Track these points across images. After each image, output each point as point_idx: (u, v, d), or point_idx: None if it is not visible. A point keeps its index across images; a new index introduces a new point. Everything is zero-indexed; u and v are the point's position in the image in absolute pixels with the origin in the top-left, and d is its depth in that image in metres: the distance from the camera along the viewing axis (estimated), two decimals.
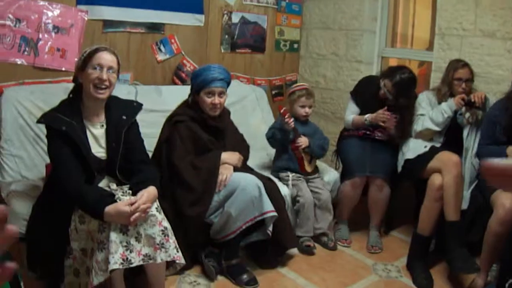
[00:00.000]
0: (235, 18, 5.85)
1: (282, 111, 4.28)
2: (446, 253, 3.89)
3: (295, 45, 6.48)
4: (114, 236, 2.87)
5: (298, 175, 4.43)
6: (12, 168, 4.10)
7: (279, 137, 4.37)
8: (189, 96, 4.00)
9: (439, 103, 4.36)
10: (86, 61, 3.14)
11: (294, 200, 4.33)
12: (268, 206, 3.67)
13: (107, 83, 3.16)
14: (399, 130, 4.55)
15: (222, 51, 5.83)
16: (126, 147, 3.31)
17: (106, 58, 3.19)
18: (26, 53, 4.51)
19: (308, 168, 4.44)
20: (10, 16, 4.42)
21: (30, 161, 4.17)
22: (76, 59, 3.23)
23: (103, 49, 3.21)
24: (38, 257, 3.20)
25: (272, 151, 4.67)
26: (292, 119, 4.29)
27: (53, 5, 4.61)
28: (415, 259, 4.04)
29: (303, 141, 4.41)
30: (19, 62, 4.49)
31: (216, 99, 3.87)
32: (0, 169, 4.11)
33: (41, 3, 4.56)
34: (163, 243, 2.99)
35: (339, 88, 5.94)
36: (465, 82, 4.28)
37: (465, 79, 4.28)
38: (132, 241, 2.92)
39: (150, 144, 3.88)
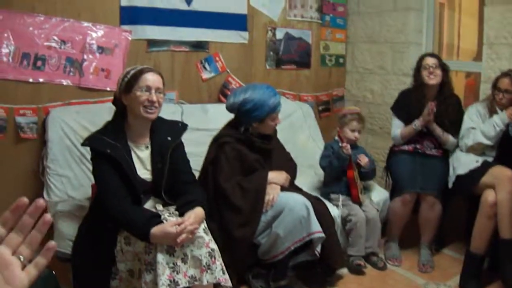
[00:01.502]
0: (280, 34, 5.83)
1: (341, 135, 4.24)
2: (500, 272, 3.77)
3: (341, 60, 6.43)
4: (160, 257, 2.85)
5: (349, 197, 4.35)
6: (58, 187, 4.14)
7: (336, 165, 4.30)
8: (236, 121, 3.93)
9: (490, 115, 4.24)
10: (131, 83, 3.12)
11: (345, 220, 4.25)
12: (316, 226, 3.60)
13: (156, 104, 3.16)
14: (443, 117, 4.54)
15: (267, 67, 5.81)
16: (172, 168, 3.28)
17: (153, 79, 3.18)
18: (71, 74, 4.57)
19: (361, 198, 4.33)
20: (55, 38, 4.48)
21: (76, 181, 4.20)
22: (119, 79, 3.19)
23: (148, 70, 3.20)
24: (84, 278, 3.18)
25: (320, 169, 4.58)
26: (348, 146, 4.22)
27: (97, 26, 4.67)
28: (468, 279, 3.92)
29: (364, 160, 4.37)
30: (64, 83, 4.56)
31: (279, 118, 3.92)
32: (47, 189, 4.15)
33: (85, 24, 4.62)
34: (209, 265, 2.96)
35: (387, 102, 5.84)
36: (503, 92, 4.13)
37: (504, 89, 4.14)
38: (179, 262, 2.89)
39: (196, 163, 3.87)
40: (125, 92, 3.15)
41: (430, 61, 4.55)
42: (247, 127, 3.86)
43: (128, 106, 3.19)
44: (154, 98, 3.14)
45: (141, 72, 3.15)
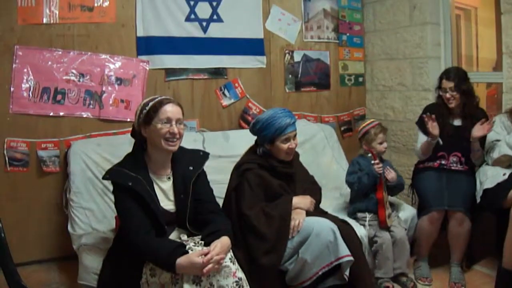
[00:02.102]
0: (297, 57, 5.85)
1: (374, 153, 4.17)
2: None
3: (360, 79, 6.42)
4: (187, 287, 2.81)
5: (376, 216, 4.27)
6: (82, 220, 4.18)
7: (365, 183, 4.24)
8: (257, 145, 3.91)
9: None
10: (151, 115, 3.11)
11: (372, 240, 4.19)
12: (344, 250, 3.53)
13: (178, 136, 3.15)
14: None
15: (287, 91, 5.83)
16: (195, 199, 3.28)
17: (173, 111, 3.17)
18: (91, 106, 4.63)
19: (389, 222, 4.25)
20: (74, 71, 4.56)
21: (100, 213, 4.24)
22: (137, 111, 3.19)
23: (167, 101, 3.18)
24: None
25: (347, 191, 4.54)
26: (381, 164, 4.18)
27: (115, 57, 4.73)
28: None
29: (391, 174, 4.32)
30: (84, 116, 4.63)
31: (293, 143, 3.82)
32: (71, 222, 4.19)
33: (103, 56, 4.67)
34: None
35: (409, 119, 5.81)
36: None
37: None
38: None
39: (219, 191, 3.84)
40: (145, 124, 3.13)
41: (446, 84, 4.51)
42: (263, 150, 3.83)
43: (148, 138, 3.17)
44: (176, 130, 3.13)
45: (160, 104, 3.13)
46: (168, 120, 3.12)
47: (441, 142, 4.50)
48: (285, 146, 3.78)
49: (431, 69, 5.58)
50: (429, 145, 4.54)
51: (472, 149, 4.48)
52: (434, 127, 4.39)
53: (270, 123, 3.72)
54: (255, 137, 3.93)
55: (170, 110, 3.14)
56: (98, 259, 3.41)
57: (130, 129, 3.35)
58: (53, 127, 4.54)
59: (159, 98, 3.19)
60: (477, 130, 4.33)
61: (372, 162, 4.13)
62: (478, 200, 4.28)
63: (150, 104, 3.13)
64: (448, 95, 4.49)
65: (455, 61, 5.70)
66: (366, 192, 4.30)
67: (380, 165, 4.14)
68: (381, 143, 4.35)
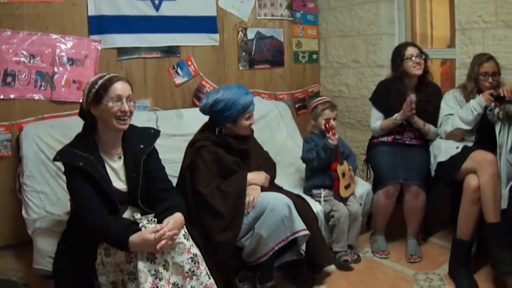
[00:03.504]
0: (251, 34, 5.83)
1: (328, 126, 4.18)
2: (489, 257, 3.74)
3: (314, 56, 6.42)
4: (141, 265, 2.80)
5: (331, 191, 4.31)
6: (36, 204, 4.10)
7: (323, 157, 4.25)
8: (211, 123, 3.88)
9: (467, 100, 4.21)
10: (100, 93, 3.04)
11: (328, 215, 4.21)
12: (299, 225, 3.55)
13: (128, 113, 3.11)
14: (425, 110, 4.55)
15: (241, 68, 5.80)
16: (147, 177, 3.24)
17: (123, 88, 3.11)
18: (42, 88, 4.54)
19: (343, 194, 4.29)
20: (24, 52, 4.46)
21: (54, 196, 4.17)
22: (85, 90, 3.12)
23: (117, 79, 3.12)
24: None
25: (302, 166, 4.55)
26: (337, 136, 4.20)
27: (66, 37, 4.65)
28: (457, 266, 3.89)
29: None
30: (36, 98, 4.54)
31: (253, 118, 3.86)
32: (25, 206, 4.11)
33: (54, 36, 4.59)
34: (193, 271, 2.92)
35: (363, 95, 5.84)
36: (491, 76, 4.12)
37: (491, 73, 4.12)
38: (160, 269, 2.85)
39: (173, 169, 3.84)
40: (95, 103, 3.06)
41: (414, 51, 4.53)
42: (221, 129, 3.80)
43: (98, 117, 3.11)
44: (126, 108, 3.09)
45: (110, 82, 3.07)
46: (119, 98, 3.07)
47: (405, 123, 4.54)
48: (247, 122, 3.80)
49: (385, 46, 5.61)
50: (392, 125, 4.58)
51: (419, 129, 4.54)
52: (412, 109, 4.41)
53: (234, 103, 3.69)
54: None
55: (120, 87, 3.09)
56: (53, 243, 3.37)
57: None
58: (3, 110, 4.44)
59: (108, 76, 3.13)
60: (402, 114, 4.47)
61: (327, 134, 4.15)
62: (433, 173, 4.32)
63: (99, 82, 3.06)
64: (417, 60, 4.49)
65: (409, 38, 5.73)
66: (324, 168, 4.31)
67: (336, 137, 4.16)
68: (327, 120, 4.35)
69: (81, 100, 3.18)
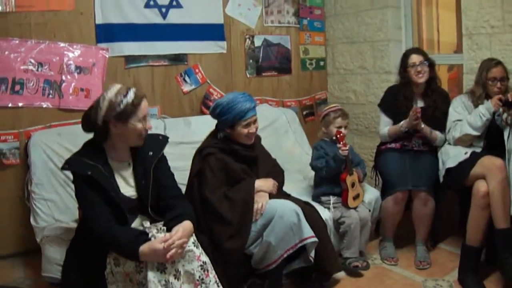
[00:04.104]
0: (258, 42, 5.83)
1: (339, 136, 4.14)
2: (498, 263, 3.73)
3: (321, 63, 6.43)
4: (151, 275, 2.79)
5: (340, 198, 4.30)
6: (45, 212, 4.10)
7: (333, 166, 4.23)
8: (218, 130, 3.88)
9: (475, 106, 4.20)
10: (127, 113, 3.01)
11: (338, 222, 4.21)
12: (308, 232, 3.54)
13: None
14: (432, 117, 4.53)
15: (248, 76, 5.81)
16: (157, 184, 3.23)
17: (146, 106, 3.13)
18: (50, 96, 4.56)
19: (351, 204, 4.25)
20: (32, 61, 4.48)
21: (62, 204, 4.17)
22: (103, 107, 3.01)
23: (141, 97, 3.10)
24: None
25: (310, 174, 4.53)
26: (348, 146, 4.17)
27: (74, 46, 4.67)
28: (466, 272, 3.87)
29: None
30: (44, 106, 4.55)
31: (253, 128, 3.81)
32: (34, 214, 4.11)
33: (62, 45, 4.61)
34: (203, 279, 2.91)
35: (370, 101, 5.83)
36: (500, 81, 4.11)
37: (500, 78, 4.12)
38: (171, 279, 2.83)
39: (182, 177, 3.81)
40: (118, 121, 3.03)
41: (417, 59, 4.53)
42: (223, 134, 3.82)
43: (117, 133, 3.09)
44: (151, 126, 3.15)
45: (139, 102, 3.05)
46: (144, 118, 3.09)
47: (411, 131, 4.53)
48: (245, 130, 3.77)
49: (392, 52, 5.61)
50: (400, 132, 4.57)
51: (426, 136, 4.52)
52: (418, 119, 4.39)
53: (230, 108, 3.70)
54: (215, 122, 3.91)
55: (145, 107, 3.10)
56: (61, 250, 3.36)
57: None
58: (12, 118, 4.45)
59: (131, 93, 3.06)
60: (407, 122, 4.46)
61: (338, 145, 4.12)
62: (441, 179, 4.31)
63: (125, 101, 3.01)
64: (419, 68, 4.50)
65: (416, 44, 5.73)
66: (334, 176, 4.30)
67: (346, 147, 4.13)
68: (338, 128, 4.35)
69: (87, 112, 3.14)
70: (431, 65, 4.55)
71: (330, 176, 4.31)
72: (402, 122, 4.51)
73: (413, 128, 4.47)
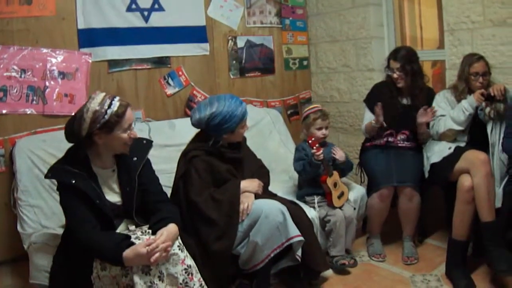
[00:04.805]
0: (241, 43, 5.84)
1: (310, 142, 4.12)
2: (485, 256, 3.75)
3: (305, 62, 6.44)
4: (137, 278, 2.81)
5: (324, 197, 4.32)
6: (31, 218, 4.08)
7: (309, 171, 4.24)
8: (211, 138, 3.80)
9: (458, 101, 4.23)
10: (111, 124, 3.00)
11: (323, 221, 4.22)
12: (294, 231, 3.55)
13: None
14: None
15: (232, 77, 5.81)
16: (141, 189, 3.24)
17: (131, 115, 3.13)
18: (34, 102, 4.54)
19: (337, 204, 4.27)
20: (15, 67, 4.46)
21: (48, 209, 4.14)
22: (87, 118, 2.95)
23: (125, 107, 3.07)
24: None
25: (295, 174, 4.53)
26: (321, 151, 4.14)
27: (56, 51, 4.65)
28: (454, 266, 3.89)
29: (340, 153, 4.40)
30: (28, 112, 4.54)
31: (247, 125, 3.90)
32: (20, 221, 4.09)
33: (44, 50, 4.59)
34: (186, 282, 2.93)
35: (354, 99, 5.85)
36: (482, 76, 4.13)
37: (482, 72, 4.14)
38: (156, 280, 2.85)
39: (167, 180, 3.84)
40: (104, 133, 3.02)
41: (394, 65, 4.56)
42: (217, 140, 3.80)
43: (102, 143, 3.07)
44: (136, 134, 3.15)
45: (123, 111, 3.03)
46: (129, 127, 3.09)
47: (385, 125, 4.53)
48: (242, 130, 3.85)
49: (375, 49, 5.63)
50: (372, 128, 4.60)
51: (418, 132, 4.54)
52: (379, 115, 4.42)
53: (232, 115, 3.70)
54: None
55: (130, 116, 3.09)
56: (49, 257, 3.36)
57: None
58: None
59: (116, 102, 3.03)
60: (421, 116, 4.42)
61: (312, 151, 4.12)
62: (426, 175, 4.33)
63: (109, 112, 2.98)
64: (395, 75, 4.54)
65: (399, 41, 5.76)
66: (314, 178, 4.31)
67: (319, 152, 4.11)
68: (319, 129, 4.35)
69: (73, 113, 3.11)
70: (410, 72, 4.55)
71: (309, 179, 4.34)
72: (373, 118, 4.56)
73: (380, 125, 4.50)
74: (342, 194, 4.31)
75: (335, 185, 4.24)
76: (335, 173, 4.29)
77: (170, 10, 5.29)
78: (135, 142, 3.28)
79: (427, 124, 4.45)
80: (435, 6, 5.70)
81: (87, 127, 2.97)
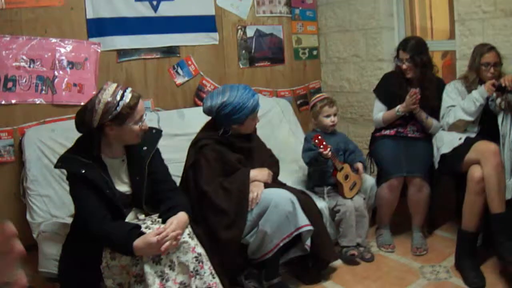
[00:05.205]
0: (250, 32, 5.81)
1: (317, 141, 4.06)
2: (495, 248, 3.73)
3: (314, 52, 6.41)
4: (147, 267, 2.82)
5: (334, 188, 4.31)
6: (41, 208, 4.09)
7: (316, 165, 4.26)
8: (221, 128, 3.81)
9: (469, 91, 4.21)
10: (123, 116, 3.00)
11: (333, 211, 4.21)
12: (303, 220, 3.55)
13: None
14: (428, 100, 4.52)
15: (241, 66, 5.79)
16: (151, 178, 3.24)
17: (143, 107, 3.14)
18: (43, 92, 4.53)
19: (348, 195, 4.26)
20: (24, 57, 4.45)
21: (58, 199, 4.15)
22: (99, 110, 2.96)
23: (137, 98, 3.07)
24: None
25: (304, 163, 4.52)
26: (329, 149, 4.07)
27: (65, 41, 4.63)
28: (463, 258, 3.87)
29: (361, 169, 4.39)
30: (37, 102, 4.53)
31: (258, 118, 3.90)
32: (30, 210, 4.10)
33: (53, 40, 4.57)
34: (197, 270, 2.92)
35: (364, 89, 5.83)
36: (493, 66, 4.11)
37: (493, 63, 4.11)
38: (167, 269, 2.86)
39: (177, 169, 3.84)
40: (116, 125, 3.02)
41: (403, 56, 4.55)
42: (227, 130, 3.79)
43: (114, 134, 3.07)
44: (147, 126, 3.16)
45: (135, 103, 3.03)
46: (141, 118, 3.09)
47: (407, 114, 4.53)
48: (254, 122, 3.85)
49: (385, 40, 5.60)
50: (394, 116, 4.57)
51: (420, 121, 4.52)
52: (416, 104, 4.42)
53: (243, 106, 3.69)
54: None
55: (141, 107, 3.10)
56: (58, 246, 3.36)
57: None
58: (5, 115, 4.43)
59: (128, 94, 3.04)
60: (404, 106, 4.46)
61: (319, 150, 4.07)
62: (436, 165, 4.31)
63: (122, 103, 2.98)
64: (404, 66, 4.52)
65: (409, 31, 5.72)
66: (323, 171, 4.32)
67: (327, 150, 4.06)
68: (327, 116, 4.35)
69: (82, 103, 3.11)
70: (420, 63, 4.53)
71: (316, 172, 4.37)
72: (398, 107, 4.52)
73: (409, 111, 4.48)
74: (354, 184, 4.30)
75: (346, 177, 4.22)
76: (345, 166, 4.27)
77: (179, 0, 5.28)
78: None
79: (435, 116, 4.45)
80: None
81: (99, 118, 2.97)
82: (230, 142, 3.79)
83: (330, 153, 4.06)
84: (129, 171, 3.24)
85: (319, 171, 4.34)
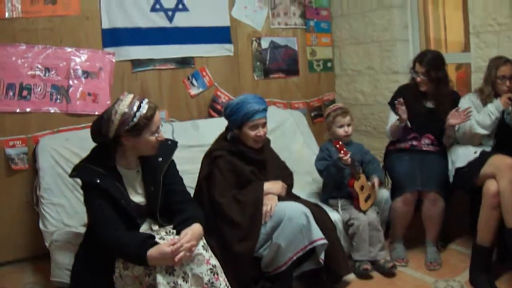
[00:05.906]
0: (265, 44, 5.83)
1: (338, 146, 4.05)
2: (510, 263, 3.70)
3: (329, 64, 6.40)
4: (160, 278, 2.79)
5: (348, 200, 4.28)
6: (53, 217, 4.11)
7: (333, 173, 4.22)
8: (228, 131, 3.88)
9: (484, 104, 4.18)
10: (141, 127, 3.00)
11: (347, 224, 4.18)
12: (317, 233, 3.53)
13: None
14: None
15: (256, 78, 5.80)
16: (166, 190, 3.23)
17: (159, 118, 3.12)
18: (58, 101, 4.56)
19: (364, 207, 4.24)
20: (39, 66, 4.49)
21: (71, 208, 4.17)
22: (115, 120, 2.95)
23: (153, 109, 3.06)
24: None
25: (319, 176, 4.49)
26: (349, 155, 4.06)
27: (80, 50, 4.67)
28: (478, 273, 3.83)
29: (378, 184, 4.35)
30: (52, 111, 4.56)
31: (261, 131, 3.79)
32: (42, 219, 4.12)
33: (68, 50, 4.62)
34: (212, 282, 2.89)
35: (379, 102, 5.82)
36: (509, 79, 4.08)
37: (509, 76, 4.08)
38: (180, 281, 2.82)
39: (191, 180, 3.83)
40: (131, 136, 3.01)
41: (419, 69, 4.51)
42: (232, 135, 3.83)
43: (130, 145, 3.08)
44: (164, 137, 3.15)
45: (152, 114, 3.03)
46: (157, 129, 3.08)
47: (409, 125, 4.49)
48: (252, 133, 3.76)
49: (400, 52, 5.59)
50: (397, 128, 4.53)
51: (445, 135, 4.48)
52: (403, 112, 4.37)
53: (239, 108, 3.71)
54: (224, 124, 3.92)
55: (158, 119, 3.09)
56: (70, 255, 3.36)
57: None
58: (20, 123, 4.47)
59: (145, 105, 3.03)
60: (453, 117, 4.28)
61: (339, 155, 4.06)
62: (451, 179, 4.28)
63: (138, 114, 2.98)
64: (419, 79, 4.50)
65: (423, 43, 5.72)
66: (337, 180, 4.28)
67: (347, 156, 4.05)
68: (341, 127, 4.33)
69: (96, 113, 3.11)
70: (435, 78, 4.49)
71: (331, 181, 4.32)
72: (396, 118, 4.50)
73: (402, 122, 4.44)
74: (369, 196, 4.28)
75: (362, 188, 4.20)
76: (362, 176, 4.25)
77: (194, 11, 5.30)
78: (160, 143, 3.27)
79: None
80: (460, 8, 5.67)
81: (115, 129, 2.96)
82: (241, 151, 3.78)
83: (349, 159, 4.05)
84: (144, 182, 3.23)
85: (333, 181, 4.31)
